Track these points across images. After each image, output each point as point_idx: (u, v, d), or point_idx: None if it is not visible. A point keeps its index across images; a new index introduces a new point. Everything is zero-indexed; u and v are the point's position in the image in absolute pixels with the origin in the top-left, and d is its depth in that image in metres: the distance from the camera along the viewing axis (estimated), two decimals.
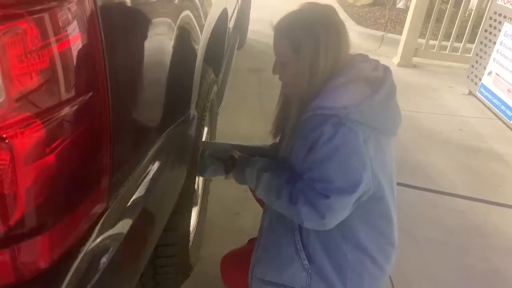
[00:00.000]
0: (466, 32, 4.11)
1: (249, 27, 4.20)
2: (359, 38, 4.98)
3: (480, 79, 3.54)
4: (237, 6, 2.73)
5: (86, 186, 0.63)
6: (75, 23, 0.54)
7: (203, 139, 1.44)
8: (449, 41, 4.19)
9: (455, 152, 2.77)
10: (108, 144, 0.63)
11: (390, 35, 4.93)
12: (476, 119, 3.32)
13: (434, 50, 4.27)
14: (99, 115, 0.60)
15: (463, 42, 4.15)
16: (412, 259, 1.85)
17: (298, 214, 1.04)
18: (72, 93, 0.54)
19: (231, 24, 2.28)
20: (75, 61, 0.54)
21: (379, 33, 4.97)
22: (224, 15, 1.76)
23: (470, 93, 3.69)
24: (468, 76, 3.73)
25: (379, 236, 1.13)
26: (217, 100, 1.90)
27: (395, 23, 5.41)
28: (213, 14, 1.47)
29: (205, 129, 1.71)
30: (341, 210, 1.02)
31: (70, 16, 0.54)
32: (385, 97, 1.06)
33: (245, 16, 3.90)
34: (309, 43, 1.04)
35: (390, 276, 1.73)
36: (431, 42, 4.29)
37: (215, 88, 1.66)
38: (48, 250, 0.57)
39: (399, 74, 4.10)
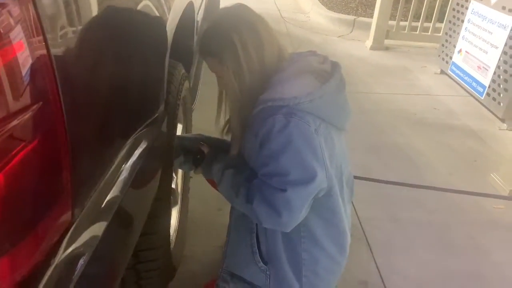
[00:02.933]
0: (435, 11, 4.16)
1: None
2: (331, 24, 4.97)
3: (451, 58, 3.59)
4: None
5: (45, 201, 0.60)
6: (16, 29, 0.50)
7: None
8: (419, 21, 4.24)
9: (431, 132, 2.81)
10: (66, 154, 0.60)
11: (361, 18, 4.94)
12: (450, 97, 3.38)
13: (405, 31, 4.31)
14: (52, 125, 0.56)
15: (432, 22, 4.20)
16: (397, 242, 1.88)
17: (255, 214, 1.03)
18: (18, 105, 0.50)
19: (199, 17, 2.22)
20: (19, 69, 0.50)
21: (351, 17, 4.98)
22: (190, 7, 1.71)
23: (442, 72, 3.75)
24: (439, 55, 3.79)
25: (332, 229, 1.14)
26: (191, 95, 1.86)
27: (365, 6, 5.42)
28: (177, 8, 1.42)
29: (180, 126, 1.68)
30: (298, 206, 1.00)
31: (11, 22, 0.50)
32: (335, 90, 1.06)
33: (215, 7, 3.82)
34: (227, 48, 1.02)
35: (375, 259, 1.76)
36: (401, 23, 4.32)
37: (186, 84, 1.62)
38: (8, 273, 0.54)
39: (372, 57, 4.12)
